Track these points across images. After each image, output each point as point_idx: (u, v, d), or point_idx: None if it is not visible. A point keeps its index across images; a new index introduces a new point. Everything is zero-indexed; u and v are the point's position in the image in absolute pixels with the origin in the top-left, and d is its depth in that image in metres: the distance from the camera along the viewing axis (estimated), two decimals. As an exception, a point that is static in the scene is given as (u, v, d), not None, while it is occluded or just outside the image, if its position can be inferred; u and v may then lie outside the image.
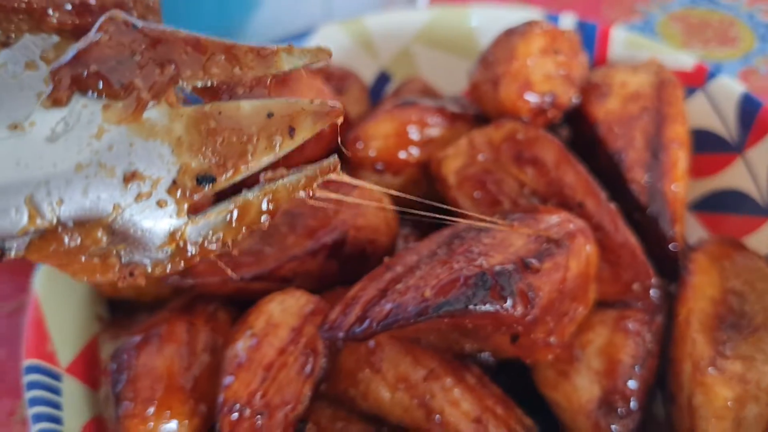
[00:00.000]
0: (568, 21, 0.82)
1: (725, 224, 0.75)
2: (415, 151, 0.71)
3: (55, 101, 0.34)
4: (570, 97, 0.71)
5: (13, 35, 0.36)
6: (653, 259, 0.66)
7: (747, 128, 0.73)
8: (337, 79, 0.83)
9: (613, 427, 0.57)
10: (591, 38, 0.81)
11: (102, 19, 0.35)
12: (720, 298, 0.65)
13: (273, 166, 0.39)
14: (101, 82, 0.34)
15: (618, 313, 0.62)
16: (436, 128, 0.71)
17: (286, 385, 0.55)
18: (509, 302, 0.51)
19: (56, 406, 0.61)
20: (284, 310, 0.57)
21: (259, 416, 0.53)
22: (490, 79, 0.69)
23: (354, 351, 0.60)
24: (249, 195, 0.39)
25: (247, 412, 0.53)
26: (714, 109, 0.76)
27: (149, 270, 0.37)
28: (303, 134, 0.38)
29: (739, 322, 0.64)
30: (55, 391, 0.62)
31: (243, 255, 0.63)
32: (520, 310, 0.52)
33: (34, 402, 0.59)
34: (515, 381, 0.63)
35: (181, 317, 0.61)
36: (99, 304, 0.70)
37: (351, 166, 0.70)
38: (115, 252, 0.36)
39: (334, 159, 0.41)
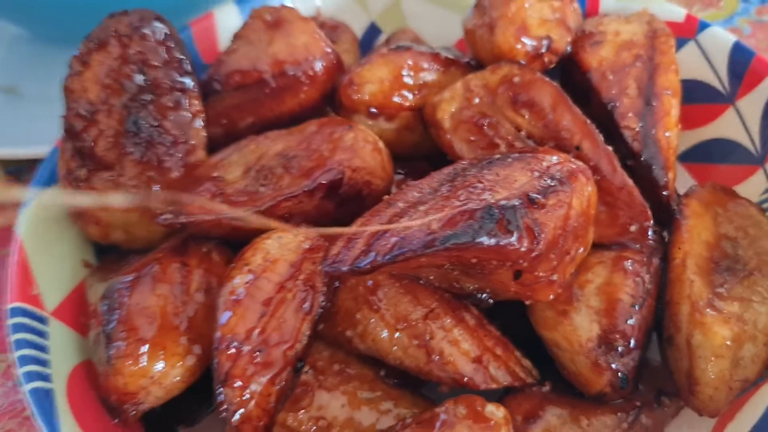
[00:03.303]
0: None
1: (714, 174, 0.75)
2: (409, 96, 0.70)
3: None
4: (566, 42, 0.70)
5: None
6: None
7: (739, 78, 0.73)
8: (329, 29, 0.81)
9: (613, 365, 0.57)
10: (583, -10, 0.81)
11: None
12: (714, 242, 0.65)
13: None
14: None
15: (616, 254, 0.61)
16: (430, 73, 0.70)
17: (284, 321, 0.54)
18: (515, 236, 0.51)
19: (42, 349, 0.59)
20: (282, 246, 0.56)
21: (257, 353, 0.52)
22: (486, 24, 0.68)
23: (352, 291, 0.59)
24: None
25: (246, 348, 0.52)
26: (705, 59, 0.76)
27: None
28: None
29: (733, 266, 0.64)
30: (41, 334, 0.60)
31: (237, 194, 0.61)
32: (525, 244, 0.51)
33: (20, 344, 0.58)
34: (510, 326, 0.62)
35: (173, 257, 0.60)
36: (86, 249, 0.68)
37: (345, 110, 0.69)
38: None
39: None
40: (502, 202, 0.51)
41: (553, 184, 0.54)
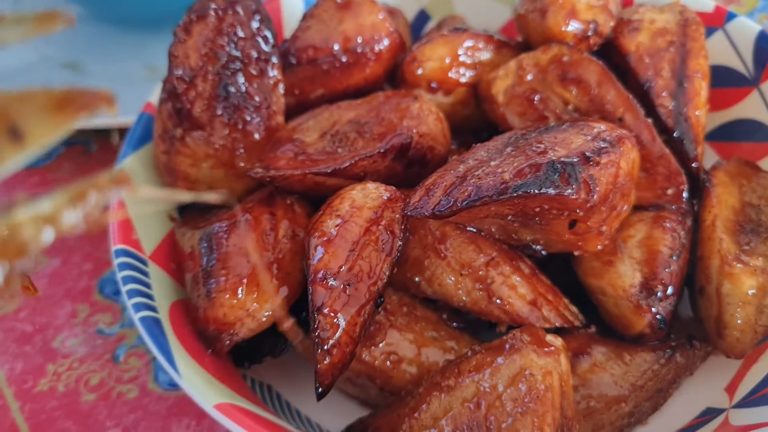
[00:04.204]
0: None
1: (738, 151, 0.82)
2: (466, 73, 0.77)
3: None
4: (609, 26, 0.78)
5: None
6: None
7: (763, 63, 0.81)
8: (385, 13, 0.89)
9: (653, 308, 0.64)
10: (618, -18, 0.88)
11: None
12: (739, 208, 0.73)
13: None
14: None
15: (655, 214, 0.69)
16: (485, 53, 0.78)
17: (369, 260, 0.61)
18: (575, 188, 0.58)
19: (146, 285, 0.66)
20: (365, 195, 0.63)
21: (348, 285, 0.60)
22: (538, 9, 0.76)
23: (422, 240, 0.66)
24: None
25: (337, 281, 0.60)
26: (732, 46, 0.83)
27: None
28: (37, 135, 0.26)
29: (757, 229, 0.71)
30: (144, 273, 0.67)
31: (317, 153, 0.69)
32: (583, 195, 0.59)
33: (127, 280, 0.65)
34: (557, 277, 0.70)
35: (263, 207, 0.67)
36: (171, 204, 0.76)
37: (407, 85, 0.77)
38: None
39: (123, 171, 0.30)
40: (564, 159, 0.59)
41: (605, 146, 0.62)
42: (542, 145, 0.61)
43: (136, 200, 0.72)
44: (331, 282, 0.59)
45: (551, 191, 0.57)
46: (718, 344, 0.67)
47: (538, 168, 0.58)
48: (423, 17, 0.96)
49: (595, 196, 0.59)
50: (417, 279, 0.66)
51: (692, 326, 0.71)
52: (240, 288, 0.63)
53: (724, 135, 0.84)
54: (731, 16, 0.83)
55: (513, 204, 0.59)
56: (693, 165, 0.76)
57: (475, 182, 0.59)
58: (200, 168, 0.71)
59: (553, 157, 0.59)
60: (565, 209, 0.60)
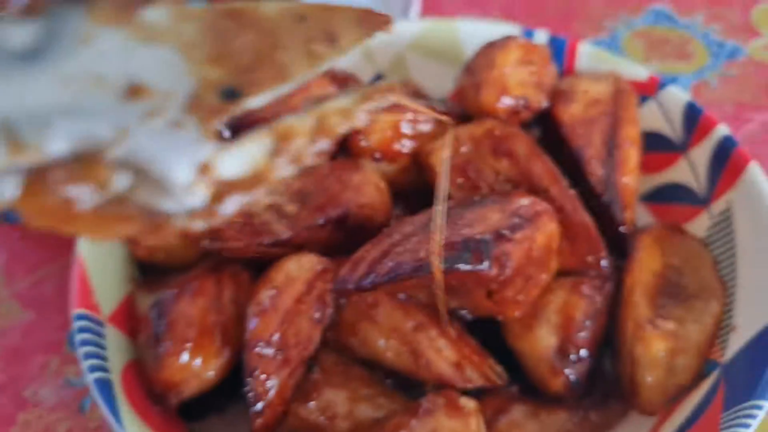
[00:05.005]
0: (541, 36, 0.95)
1: (671, 213, 0.87)
2: (407, 143, 0.83)
3: (29, 10, 0.27)
4: (540, 101, 0.83)
5: None
6: (607, 240, 0.79)
7: (690, 131, 0.86)
8: (340, 81, 0.94)
9: (566, 370, 0.69)
10: (561, 51, 0.94)
11: None
12: (660, 271, 0.78)
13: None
14: None
15: (574, 280, 0.74)
16: (426, 125, 0.84)
17: (300, 329, 0.67)
18: (486, 264, 0.64)
19: (101, 347, 0.72)
20: (300, 267, 0.69)
21: (279, 352, 0.65)
22: (473, 85, 0.82)
23: (356, 306, 0.71)
24: (292, 119, 0.31)
25: (269, 349, 0.65)
26: (663, 114, 0.89)
27: (181, 222, 0.30)
28: (347, 42, 0.31)
29: (676, 292, 0.77)
30: (100, 335, 0.73)
31: (262, 225, 0.75)
32: (495, 270, 0.64)
33: (84, 343, 0.71)
34: (488, 338, 0.75)
35: (210, 274, 0.73)
36: (133, 266, 0.82)
37: (353, 155, 0.82)
38: (132, 198, 0.29)
39: (390, 81, 0.36)
40: (477, 236, 0.65)
41: (519, 222, 0.67)
42: (460, 222, 0.67)
43: (102, 258, 0.78)
44: (264, 350, 0.65)
45: (464, 268, 0.63)
46: (632, 402, 0.72)
47: (452, 246, 0.63)
48: (378, 80, 1.02)
49: (507, 271, 0.65)
50: (352, 341, 0.72)
51: (613, 383, 0.76)
52: (185, 352, 0.68)
53: (657, 197, 0.90)
54: (663, 85, 0.89)
55: (430, 279, 0.64)
56: (620, 229, 0.81)
57: (394, 258, 0.64)
58: (157, 236, 0.77)
59: (468, 235, 0.65)
60: (480, 282, 0.65)
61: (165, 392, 0.69)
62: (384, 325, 0.71)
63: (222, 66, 0.29)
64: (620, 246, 0.80)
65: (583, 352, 0.70)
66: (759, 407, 0.65)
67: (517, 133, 0.78)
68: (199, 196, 0.29)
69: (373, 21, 0.32)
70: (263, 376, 0.65)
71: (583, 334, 0.71)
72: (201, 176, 0.29)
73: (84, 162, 0.27)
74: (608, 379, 0.76)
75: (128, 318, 0.78)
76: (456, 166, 0.79)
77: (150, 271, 0.82)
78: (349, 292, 0.68)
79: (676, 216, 0.86)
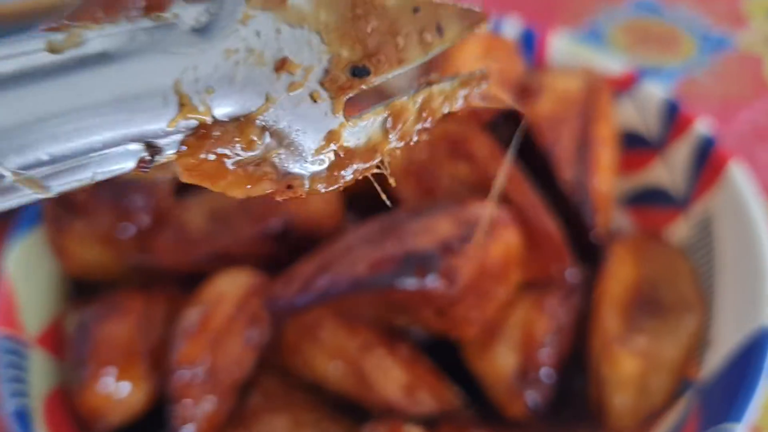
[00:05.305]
0: (510, 27, 0.89)
1: (648, 216, 0.81)
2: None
3: None
4: (503, 99, 0.77)
5: None
6: (580, 247, 0.73)
7: (667, 128, 0.80)
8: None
9: (527, 393, 0.64)
10: (531, 44, 0.88)
11: None
12: (633, 283, 0.72)
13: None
14: None
15: (537, 293, 0.68)
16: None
17: (231, 351, 0.61)
18: (432, 280, 0.58)
19: (24, 370, 0.66)
20: (233, 283, 0.63)
21: (206, 377, 0.60)
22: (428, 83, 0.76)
23: (298, 325, 0.66)
24: (404, 98, 0.35)
25: (195, 373, 0.60)
26: (639, 111, 0.83)
27: (307, 184, 0.33)
28: (452, 34, 0.35)
29: (649, 305, 0.70)
30: (23, 358, 0.67)
31: (199, 238, 0.69)
32: (442, 287, 0.58)
33: (4, 366, 0.65)
34: (448, 359, 0.69)
35: (140, 292, 0.67)
36: (66, 283, 0.76)
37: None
38: (270, 159, 0.32)
39: (484, 70, 0.39)
40: (422, 249, 0.59)
41: (471, 232, 0.62)
42: (407, 233, 0.61)
43: (31, 274, 0.73)
44: (189, 374, 0.59)
45: (405, 285, 0.57)
46: (602, 426, 0.66)
47: (393, 260, 0.58)
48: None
49: (456, 288, 0.59)
50: (294, 362, 0.66)
51: (584, 403, 0.70)
52: (110, 376, 0.63)
53: (636, 199, 0.83)
54: (638, 80, 0.83)
55: (371, 297, 0.59)
56: (591, 235, 0.75)
57: (331, 275, 0.58)
58: (91, 251, 0.72)
59: (411, 248, 0.59)
60: (426, 300, 0.59)
61: (89, 421, 0.63)
62: (328, 345, 0.65)
63: (352, 47, 0.33)
64: (593, 254, 0.74)
65: (545, 372, 0.64)
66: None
67: (477, 134, 0.72)
68: (325, 161, 0.33)
69: (473, 17, 0.36)
70: (189, 404, 0.59)
71: (545, 352, 0.65)
72: (328, 144, 0.33)
73: (238, 124, 0.31)
74: (577, 400, 0.70)
75: (59, 340, 0.72)
76: (413, 172, 0.73)
77: (86, 289, 0.77)
78: (281, 312, 0.62)
79: (654, 220, 0.80)
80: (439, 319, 0.62)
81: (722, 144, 0.76)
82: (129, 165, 0.30)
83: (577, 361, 0.69)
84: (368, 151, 0.34)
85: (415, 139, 0.36)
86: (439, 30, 0.35)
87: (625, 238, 0.75)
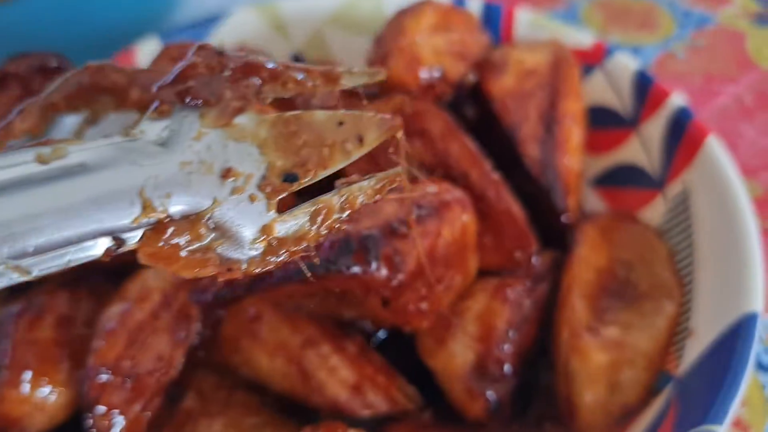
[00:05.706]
0: (474, 2, 0.83)
1: (624, 198, 0.76)
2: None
3: (161, 113, 0.38)
4: (460, 72, 0.71)
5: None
6: (548, 232, 0.68)
7: (641, 103, 0.74)
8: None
9: (487, 391, 0.58)
10: (496, 19, 0.82)
11: (194, 48, 0.41)
12: (606, 268, 0.66)
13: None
14: (198, 95, 0.39)
15: (499, 281, 0.62)
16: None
17: (157, 349, 0.55)
18: (374, 265, 0.52)
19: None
20: (158, 276, 0.57)
21: (127, 380, 0.54)
22: (380, 56, 0.70)
23: (236, 319, 0.60)
24: (327, 196, 0.42)
25: (115, 376, 0.54)
26: (611, 85, 0.77)
27: (244, 267, 0.39)
28: (370, 142, 0.42)
29: (624, 291, 0.65)
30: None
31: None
32: (384, 273, 0.52)
33: None
34: (405, 355, 0.63)
35: (63, 288, 0.61)
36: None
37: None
38: (214, 248, 0.38)
39: (398, 169, 0.44)
40: (363, 232, 0.53)
41: (419, 213, 0.56)
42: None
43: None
44: (107, 377, 0.53)
45: (345, 272, 0.51)
46: (570, 426, 0.60)
47: (331, 245, 0.52)
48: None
49: (400, 273, 0.53)
50: (233, 360, 0.60)
51: (552, 401, 0.64)
52: (27, 381, 0.57)
53: (609, 180, 0.78)
54: (609, 53, 0.77)
55: (308, 286, 0.53)
56: (561, 218, 0.69)
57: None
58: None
59: (351, 231, 0.53)
60: (369, 289, 0.54)
61: (6, 429, 0.57)
62: (268, 341, 0.59)
63: (285, 158, 0.40)
64: (563, 239, 0.69)
65: (507, 368, 0.58)
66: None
67: (430, 108, 0.66)
68: (260, 248, 0.40)
69: (389, 124, 0.43)
70: (106, 410, 0.53)
71: (506, 347, 0.59)
72: (262, 235, 0.40)
73: (189, 220, 0.38)
74: (543, 398, 0.64)
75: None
76: (363, 150, 0.67)
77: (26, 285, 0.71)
78: (209, 306, 0.56)
79: (629, 201, 0.74)
80: (387, 310, 0.56)
81: (701, 119, 0.71)
82: (98, 253, 0.36)
83: (544, 355, 0.64)
84: (297, 239, 0.40)
85: (337, 226, 0.42)
86: (360, 139, 0.42)
87: (596, 219, 0.69)
